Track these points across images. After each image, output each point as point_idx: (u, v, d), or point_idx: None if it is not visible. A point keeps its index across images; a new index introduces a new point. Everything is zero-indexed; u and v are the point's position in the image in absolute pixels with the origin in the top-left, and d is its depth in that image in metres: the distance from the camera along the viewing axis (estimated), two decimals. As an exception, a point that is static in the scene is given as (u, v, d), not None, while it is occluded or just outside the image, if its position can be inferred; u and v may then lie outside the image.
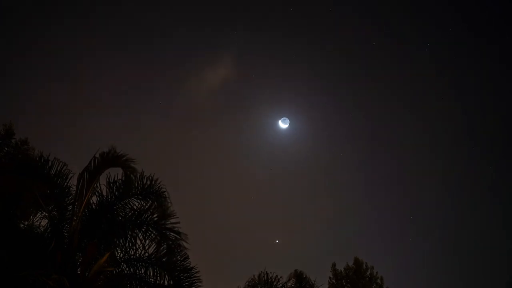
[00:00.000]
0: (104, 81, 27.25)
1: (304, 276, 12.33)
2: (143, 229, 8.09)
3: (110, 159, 7.94)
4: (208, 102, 28.33)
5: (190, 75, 27.80)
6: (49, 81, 25.42)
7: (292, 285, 11.99)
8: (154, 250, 8.08)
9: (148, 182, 8.26)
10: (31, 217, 8.12)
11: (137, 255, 8.06)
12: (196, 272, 8.24)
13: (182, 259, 8.21)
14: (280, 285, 11.62)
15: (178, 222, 8.22)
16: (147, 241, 8.10)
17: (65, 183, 8.08)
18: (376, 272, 20.49)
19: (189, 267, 8.23)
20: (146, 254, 8.05)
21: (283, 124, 26.25)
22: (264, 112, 27.75)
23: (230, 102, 29.61)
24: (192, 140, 28.87)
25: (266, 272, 11.44)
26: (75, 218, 7.44)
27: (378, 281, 20.23)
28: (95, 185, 7.93)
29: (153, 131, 28.08)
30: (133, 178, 8.21)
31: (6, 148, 13.09)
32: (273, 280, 11.55)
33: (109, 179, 8.24)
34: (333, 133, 29.58)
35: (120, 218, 8.25)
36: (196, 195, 27.96)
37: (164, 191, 8.26)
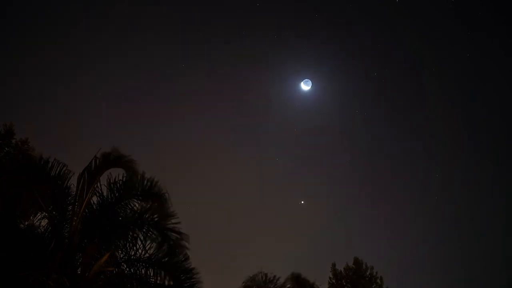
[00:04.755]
0: (104, 81, 27.13)
1: (302, 277, 12.30)
2: (144, 230, 8.08)
3: (111, 159, 7.94)
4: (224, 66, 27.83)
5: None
6: (50, 81, 25.38)
7: (289, 287, 11.96)
8: (155, 250, 8.09)
9: (149, 184, 8.23)
10: (31, 217, 8.11)
11: (138, 255, 8.06)
12: (197, 273, 8.23)
13: (183, 259, 8.20)
14: (279, 285, 11.60)
15: (179, 222, 8.21)
16: (148, 242, 8.10)
17: (66, 184, 8.07)
18: (376, 272, 20.53)
19: (190, 267, 8.22)
20: (147, 255, 8.05)
21: (305, 86, 25.77)
22: (285, 74, 27.30)
23: (251, 64, 28.93)
24: (207, 108, 28.52)
25: (265, 273, 11.43)
26: (75, 218, 7.43)
27: (378, 281, 20.26)
28: (96, 185, 7.92)
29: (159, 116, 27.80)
30: (134, 179, 8.20)
31: (6, 148, 13.12)
32: (271, 279, 11.53)
33: (109, 179, 8.24)
34: (357, 94, 28.78)
35: (120, 218, 8.25)
36: (223, 154, 27.98)
37: (165, 193, 8.24)
